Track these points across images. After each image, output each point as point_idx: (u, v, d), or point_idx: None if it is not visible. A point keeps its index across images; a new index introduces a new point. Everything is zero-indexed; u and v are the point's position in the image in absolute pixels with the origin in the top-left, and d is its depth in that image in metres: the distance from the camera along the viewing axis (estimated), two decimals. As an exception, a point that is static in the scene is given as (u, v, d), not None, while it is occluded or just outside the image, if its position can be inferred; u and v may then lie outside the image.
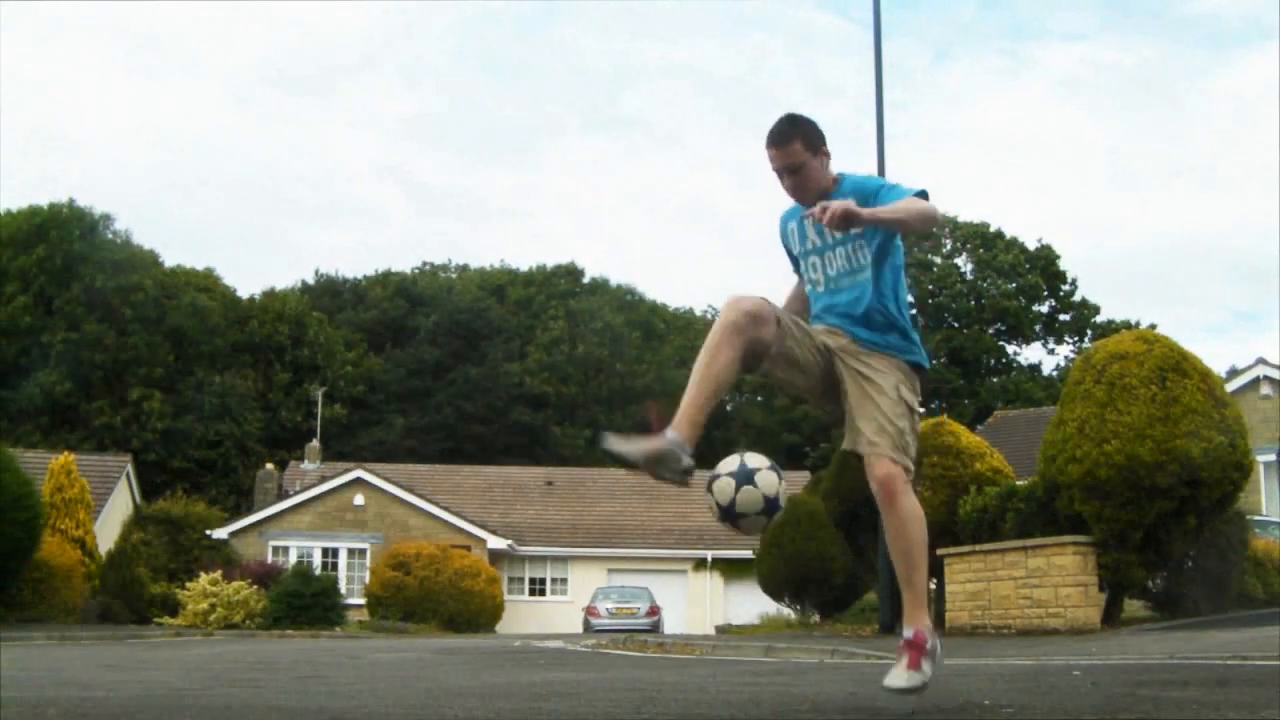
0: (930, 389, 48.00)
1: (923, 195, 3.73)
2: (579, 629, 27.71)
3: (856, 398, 3.79)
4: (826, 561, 17.15)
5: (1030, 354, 53.08)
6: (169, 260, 52.29)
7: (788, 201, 4.09)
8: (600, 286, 63.43)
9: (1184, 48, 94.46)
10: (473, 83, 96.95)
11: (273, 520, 32.87)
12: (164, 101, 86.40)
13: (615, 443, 3.41)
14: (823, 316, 3.97)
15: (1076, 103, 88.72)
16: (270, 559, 29.86)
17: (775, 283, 4.39)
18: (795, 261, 4.15)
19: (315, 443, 39.97)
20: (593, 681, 5.73)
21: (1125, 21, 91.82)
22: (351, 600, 27.99)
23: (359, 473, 33.95)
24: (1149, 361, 10.42)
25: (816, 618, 18.07)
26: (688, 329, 64.51)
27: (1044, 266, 51.60)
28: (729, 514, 3.54)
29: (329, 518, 33.04)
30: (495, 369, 54.79)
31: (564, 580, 35.87)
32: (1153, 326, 42.18)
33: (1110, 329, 46.40)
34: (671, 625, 30.61)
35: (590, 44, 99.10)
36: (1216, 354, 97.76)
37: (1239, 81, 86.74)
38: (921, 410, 3.95)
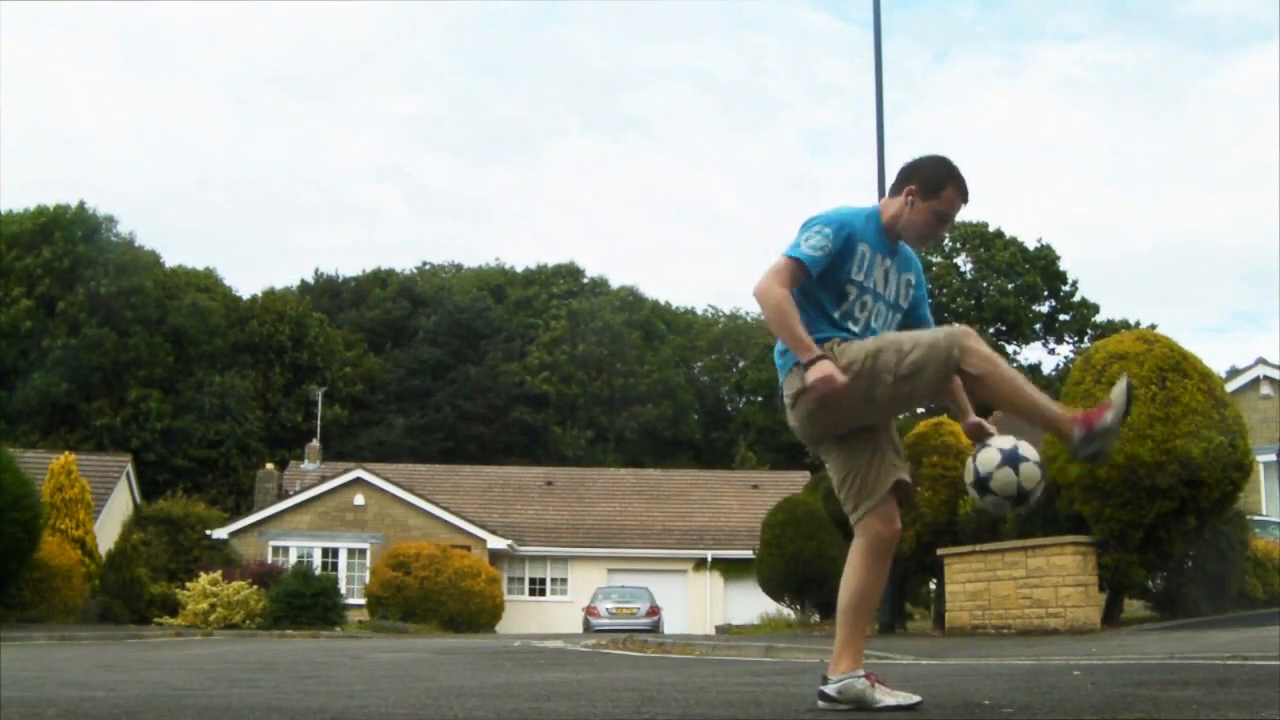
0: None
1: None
2: (579, 629, 27.69)
3: (891, 442, 3.87)
4: (826, 561, 17.11)
5: (1030, 354, 52.86)
6: (169, 260, 52.46)
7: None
8: (600, 286, 63.41)
9: (1184, 48, 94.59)
10: (473, 83, 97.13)
11: (273, 520, 32.86)
12: (164, 102, 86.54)
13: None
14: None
15: (1076, 103, 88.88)
16: (270, 559, 29.84)
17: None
18: (828, 270, 3.68)
19: (315, 443, 39.97)
20: (593, 681, 5.73)
21: (1125, 22, 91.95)
22: (351, 600, 27.99)
23: (359, 473, 33.93)
24: (1149, 361, 10.41)
25: (816, 618, 18.05)
26: (688, 329, 64.48)
27: (1044, 266, 51.54)
28: (981, 484, 3.67)
29: (329, 518, 33.02)
30: (495, 369, 54.79)
31: (564, 580, 35.85)
32: (1153, 326, 42.16)
33: (1110, 329, 46.36)
34: (671, 625, 30.58)
35: (590, 44, 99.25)
36: (1216, 354, 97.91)
37: (1239, 81, 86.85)
38: None
